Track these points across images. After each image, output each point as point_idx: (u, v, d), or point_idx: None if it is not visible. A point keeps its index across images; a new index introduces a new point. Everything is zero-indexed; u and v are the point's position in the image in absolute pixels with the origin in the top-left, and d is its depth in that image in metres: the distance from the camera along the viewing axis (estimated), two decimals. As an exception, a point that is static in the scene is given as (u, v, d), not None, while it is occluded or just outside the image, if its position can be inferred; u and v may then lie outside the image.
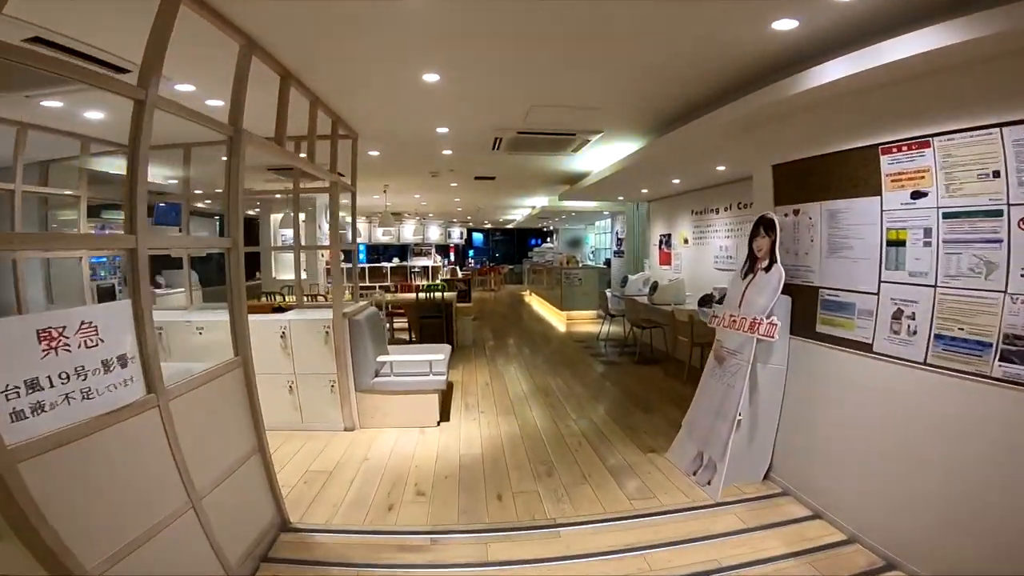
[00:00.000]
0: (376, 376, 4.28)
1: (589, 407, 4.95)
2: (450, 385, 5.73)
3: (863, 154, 2.53)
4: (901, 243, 2.33)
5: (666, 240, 7.65)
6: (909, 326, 2.29)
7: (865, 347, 2.53)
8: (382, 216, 8.40)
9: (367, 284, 10.45)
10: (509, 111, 4.05)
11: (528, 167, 6.59)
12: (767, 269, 3.01)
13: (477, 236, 24.57)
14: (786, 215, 3.06)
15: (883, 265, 2.42)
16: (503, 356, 7.29)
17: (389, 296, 8.01)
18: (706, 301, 6.15)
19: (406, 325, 8.17)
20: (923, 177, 2.24)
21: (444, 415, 4.64)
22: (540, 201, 10.63)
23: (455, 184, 8.03)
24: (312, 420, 4.20)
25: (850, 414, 2.64)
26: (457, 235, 18.39)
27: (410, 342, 7.70)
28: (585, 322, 10.10)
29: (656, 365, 6.53)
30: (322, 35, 2.63)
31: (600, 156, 5.75)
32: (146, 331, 1.71)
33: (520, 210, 13.22)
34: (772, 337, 2.80)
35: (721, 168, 5.03)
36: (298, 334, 4.08)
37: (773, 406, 3.07)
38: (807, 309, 2.88)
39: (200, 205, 10.12)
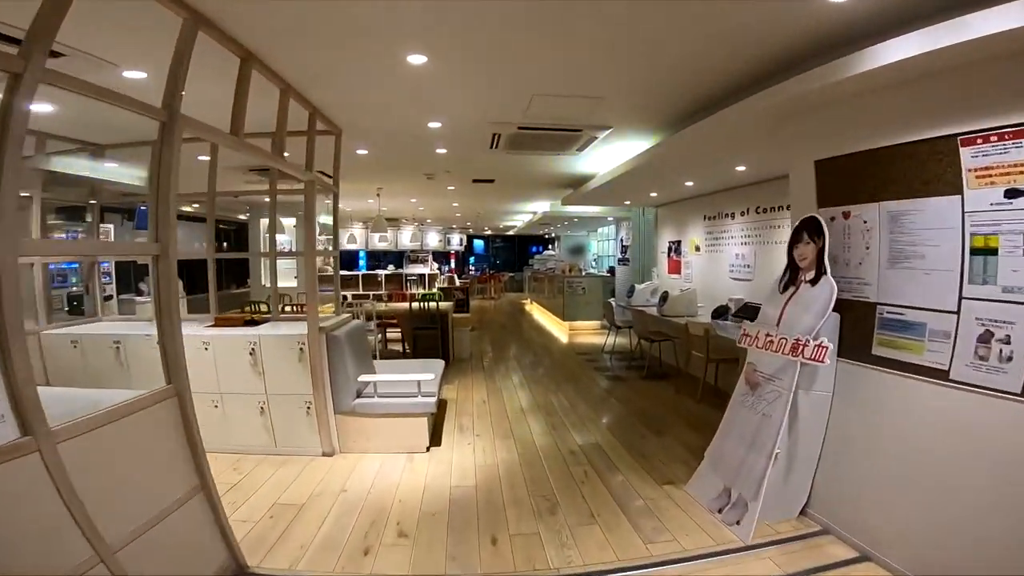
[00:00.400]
0: (358, 397, 3.83)
1: (595, 429, 4.49)
2: (443, 404, 5.27)
3: (935, 146, 2.10)
4: (991, 251, 1.89)
5: (675, 247, 7.22)
6: (1002, 351, 1.85)
7: (939, 374, 2.08)
8: (375, 221, 7.99)
9: (361, 292, 10.01)
10: (508, 101, 3.63)
11: (529, 169, 6.17)
12: (813, 282, 2.56)
13: (478, 243, 24.17)
14: (833, 218, 2.62)
15: (965, 278, 1.98)
16: (502, 370, 6.83)
17: (381, 306, 7.56)
18: (721, 313, 5.71)
19: (400, 336, 7.71)
20: (1023, 172, 1.80)
21: (435, 439, 4.19)
22: (542, 206, 10.22)
23: (452, 187, 7.61)
24: (287, 444, 3.75)
25: (915, 447, 2.20)
26: (457, 241, 17.98)
27: (403, 354, 7.25)
28: (588, 333, 9.65)
29: (666, 381, 6.07)
30: (286, 10, 2.22)
31: (607, 156, 5.33)
32: (14, 358, 1.27)
33: (521, 216, 12.81)
34: (821, 361, 2.35)
35: (741, 169, 4.60)
36: (269, 351, 3.64)
37: (815, 436, 2.63)
38: (860, 328, 2.43)
39: (188, 209, 9.74)
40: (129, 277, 8.44)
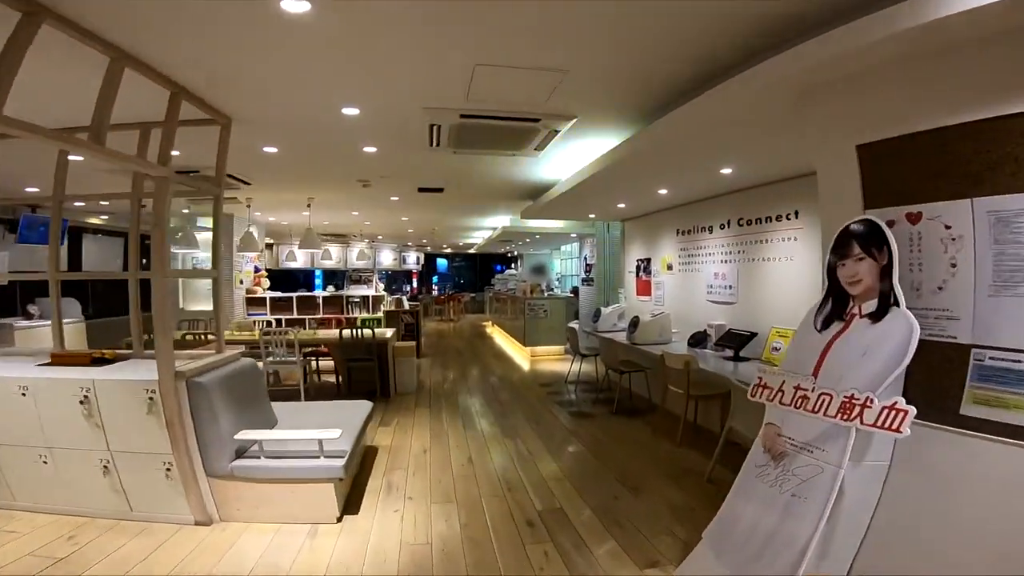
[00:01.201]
0: (239, 457, 2.86)
1: (558, 487, 3.63)
2: (372, 452, 4.31)
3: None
4: None
5: (644, 266, 6.54)
6: None
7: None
8: (304, 236, 6.99)
9: (296, 317, 8.90)
10: (444, 77, 2.82)
11: (483, 176, 5.38)
12: (876, 316, 1.80)
13: (441, 261, 23.21)
14: (892, 222, 1.87)
15: None
16: (452, 407, 5.90)
17: (304, 333, 6.54)
18: (699, 340, 5.00)
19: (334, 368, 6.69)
20: None
21: (352, 503, 3.27)
22: (501, 221, 9.45)
23: (396, 198, 6.74)
24: (146, 508, 2.82)
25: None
26: (413, 260, 17.01)
27: (337, 390, 6.24)
28: (552, 359, 8.85)
29: (639, 418, 5.29)
30: None
31: (572, 159, 4.60)
32: None
33: (480, 232, 12.02)
34: (898, 431, 1.58)
35: (726, 171, 3.93)
36: (109, 399, 2.66)
37: (860, 514, 1.85)
38: (941, 379, 1.69)
39: (96, 221, 8.48)
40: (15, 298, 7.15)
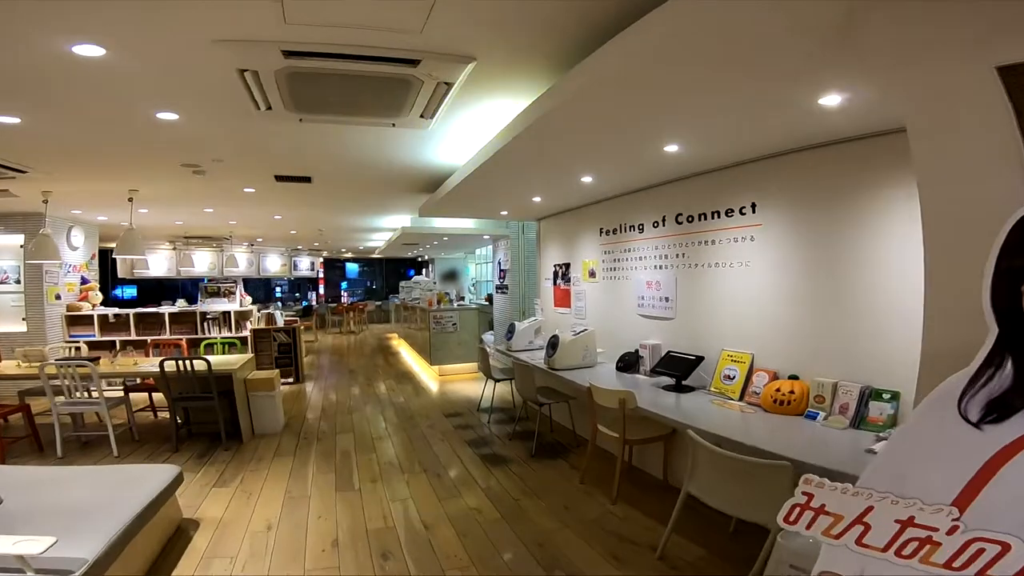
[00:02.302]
0: None
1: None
2: (183, 536, 2.91)
3: None
4: None
5: (563, 272, 5.60)
6: None
7: None
8: (122, 240, 5.28)
9: (133, 339, 7.03)
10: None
11: (359, 159, 4.13)
12: None
13: (351, 266, 21.22)
14: None
15: None
16: (326, 453, 4.56)
17: (122, 362, 4.94)
18: (630, 364, 4.09)
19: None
20: None
21: None
22: (401, 220, 8.16)
23: (251, 189, 5.26)
24: None
25: None
26: (307, 266, 15.10)
27: (176, 432, 4.66)
28: (464, 379, 7.69)
29: (563, 459, 4.29)
30: None
31: (481, 134, 3.48)
32: None
33: (381, 234, 10.60)
34: None
35: (672, 149, 2.98)
36: None
37: None
38: None
39: None
40: None
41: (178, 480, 2.96)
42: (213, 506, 3.41)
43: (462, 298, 9.33)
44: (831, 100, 2.13)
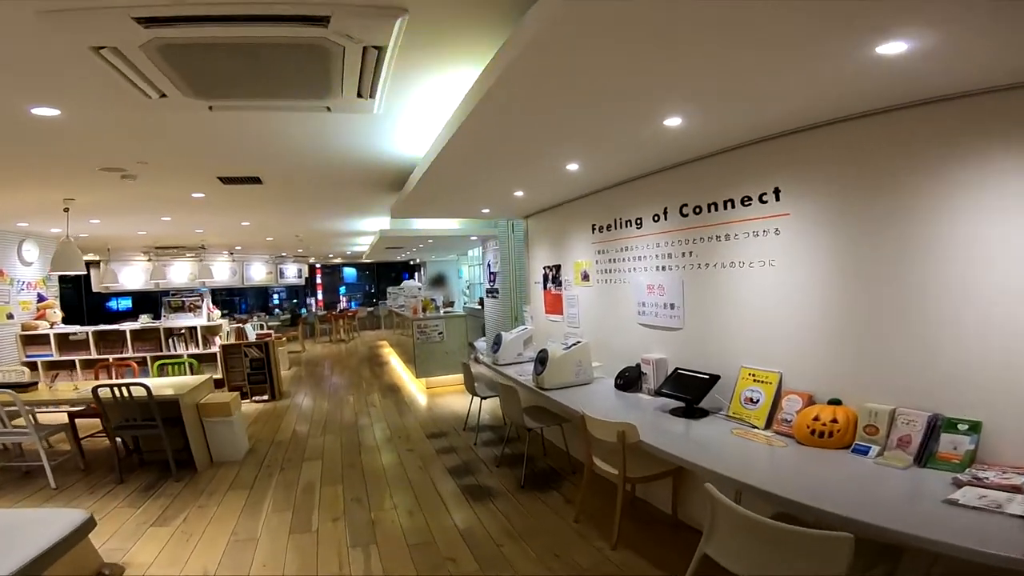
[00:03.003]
0: None
1: None
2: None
3: None
4: None
5: (553, 275, 5.02)
6: None
7: None
8: (58, 253, 4.69)
9: (94, 357, 6.47)
10: None
11: (305, 154, 3.54)
12: None
13: (349, 271, 20.64)
14: None
15: None
16: (288, 483, 4.02)
17: (62, 388, 4.40)
18: (630, 382, 3.52)
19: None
20: None
21: None
22: (380, 223, 7.57)
23: (200, 195, 4.67)
24: None
25: None
26: (293, 273, 14.54)
27: (120, 464, 4.10)
28: (453, 391, 7.11)
29: (556, 490, 3.72)
30: None
31: (438, 115, 2.90)
32: None
33: (365, 237, 10.02)
34: None
35: (674, 122, 2.38)
36: None
37: None
38: None
39: None
40: None
41: (86, 526, 2.50)
42: (145, 549, 2.97)
43: (451, 303, 8.74)
44: (892, 48, 1.56)
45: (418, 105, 2.72)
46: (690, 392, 2.91)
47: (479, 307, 9.80)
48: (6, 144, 2.89)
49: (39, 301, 6.87)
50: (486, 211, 5.20)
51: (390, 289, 12.37)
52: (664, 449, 2.41)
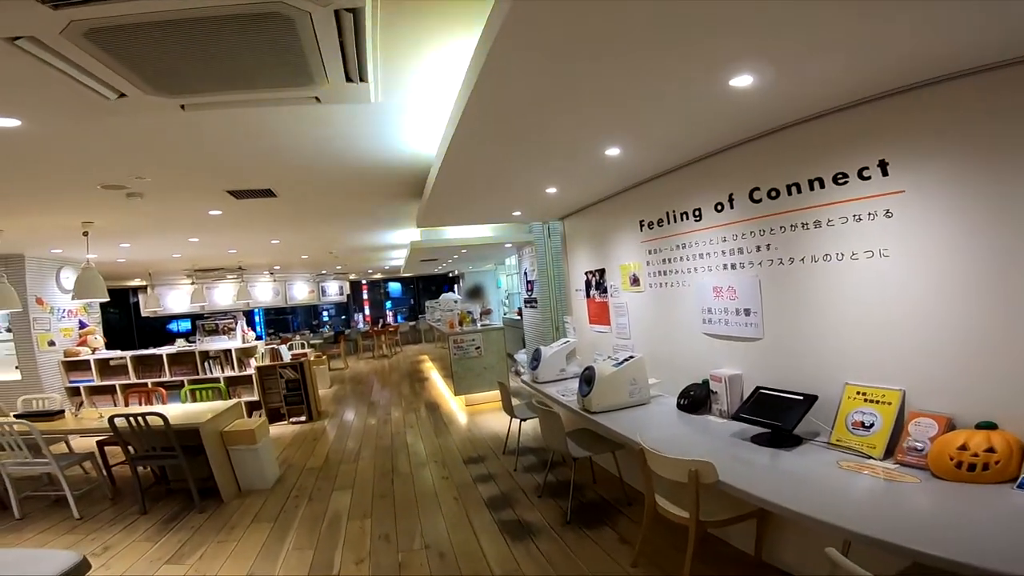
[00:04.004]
0: None
1: None
2: None
3: None
4: None
5: (597, 281, 4.49)
6: None
7: None
8: (78, 279, 4.53)
9: (134, 382, 6.43)
10: None
11: (311, 158, 3.19)
12: None
13: (394, 285, 20.73)
14: None
15: None
16: (314, 516, 3.71)
17: (87, 415, 4.25)
18: (698, 403, 2.96)
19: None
20: None
21: None
22: (411, 234, 7.26)
23: (218, 212, 4.43)
24: None
25: None
26: (335, 291, 14.55)
27: (143, 495, 3.88)
28: (493, 408, 6.65)
29: (610, 526, 3.18)
30: None
31: (452, 102, 2.47)
32: None
33: (397, 251, 9.78)
34: None
35: (742, 82, 1.86)
36: None
37: None
38: None
39: None
40: None
41: (77, 570, 2.18)
42: None
43: (488, 311, 8.30)
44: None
45: (421, 91, 2.31)
46: (779, 416, 2.34)
47: (518, 317, 9.36)
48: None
49: (80, 328, 6.91)
50: (517, 214, 4.74)
51: (428, 302, 12.12)
52: (753, 493, 1.87)
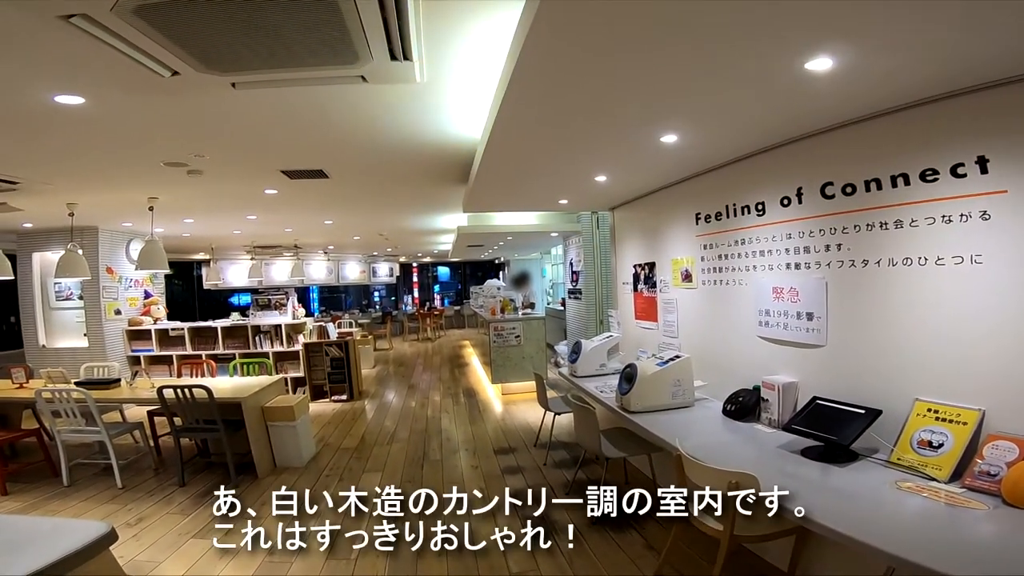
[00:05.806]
0: None
1: None
2: None
3: None
4: None
5: (646, 275, 4.32)
6: None
7: None
8: (142, 252, 4.78)
9: (190, 353, 6.78)
10: None
11: (360, 140, 3.19)
12: None
13: (443, 269, 21.07)
14: None
15: None
16: (341, 499, 3.72)
17: (140, 384, 4.49)
18: (746, 408, 2.78)
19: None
20: None
21: None
22: (458, 219, 7.26)
23: (273, 191, 4.55)
24: None
25: None
26: (385, 272, 14.87)
27: (183, 467, 4.07)
28: (529, 399, 6.59)
29: (636, 532, 3.06)
30: None
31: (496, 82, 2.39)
32: None
33: (446, 236, 9.84)
34: None
35: (820, 65, 1.66)
36: None
37: None
38: None
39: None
40: None
41: (104, 540, 2.25)
42: (176, 564, 2.82)
43: (531, 304, 8.23)
44: None
45: (466, 70, 2.23)
46: (835, 430, 2.14)
47: (561, 308, 9.23)
48: (50, 136, 2.81)
49: (146, 298, 7.34)
50: (564, 202, 4.61)
51: (472, 288, 12.17)
52: (814, 520, 1.71)
